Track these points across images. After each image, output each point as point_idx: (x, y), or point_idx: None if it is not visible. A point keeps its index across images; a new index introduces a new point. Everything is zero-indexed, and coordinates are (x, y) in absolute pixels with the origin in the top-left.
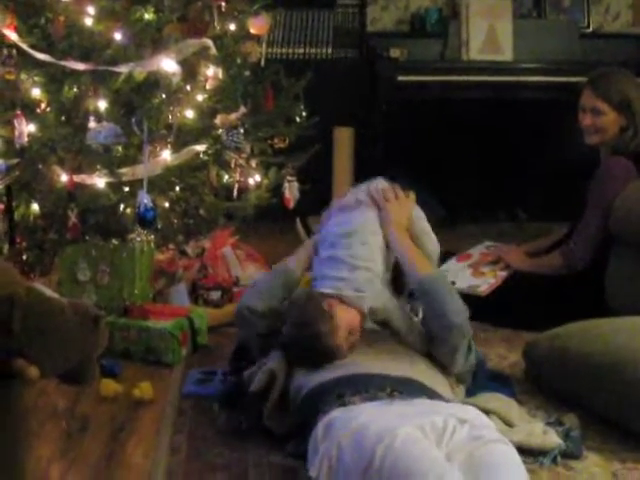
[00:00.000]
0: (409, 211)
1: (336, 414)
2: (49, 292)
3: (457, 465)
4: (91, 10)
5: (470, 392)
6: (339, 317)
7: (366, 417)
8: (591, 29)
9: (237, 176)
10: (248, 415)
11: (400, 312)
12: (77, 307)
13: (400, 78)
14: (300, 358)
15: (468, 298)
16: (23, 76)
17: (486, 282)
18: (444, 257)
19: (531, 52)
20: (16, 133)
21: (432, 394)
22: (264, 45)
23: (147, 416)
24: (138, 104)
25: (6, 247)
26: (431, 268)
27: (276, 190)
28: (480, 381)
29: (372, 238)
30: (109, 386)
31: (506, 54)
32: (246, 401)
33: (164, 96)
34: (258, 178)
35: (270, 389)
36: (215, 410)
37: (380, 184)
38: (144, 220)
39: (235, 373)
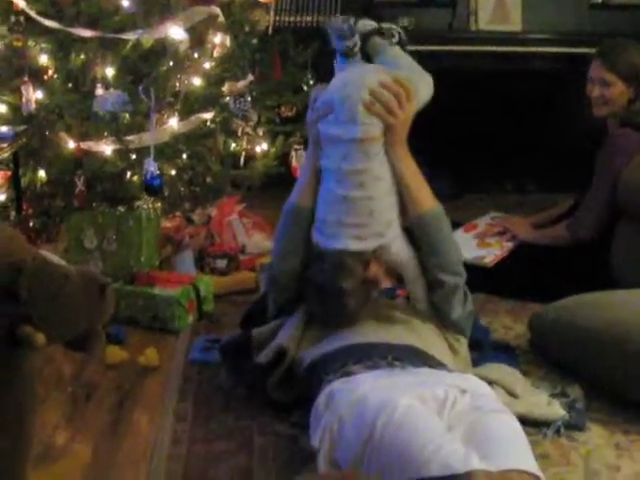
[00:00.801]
0: (412, 114)
1: (337, 385)
2: (56, 259)
3: (458, 436)
4: None
5: (475, 362)
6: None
7: (366, 388)
8: (600, 0)
9: (244, 144)
10: (250, 384)
11: (413, 261)
12: (84, 274)
13: (408, 48)
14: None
15: (474, 269)
16: (31, 43)
17: (492, 253)
18: (451, 227)
19: (540, 23)
20: (23, 100)
21: (434, 363)
22: (272, 13)
23: (153, 383)
24: (145, 71)
25: (13, 214)
26: (433, 202)
27: (283, 158)
28: (485, 351)
29: (384, 170)
30: (115, 353)
31: (515, 24)
32: (250, 368)
33: (171, 64)
34: (265, 146)
35: (277, 363)
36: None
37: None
38: (151, 187)
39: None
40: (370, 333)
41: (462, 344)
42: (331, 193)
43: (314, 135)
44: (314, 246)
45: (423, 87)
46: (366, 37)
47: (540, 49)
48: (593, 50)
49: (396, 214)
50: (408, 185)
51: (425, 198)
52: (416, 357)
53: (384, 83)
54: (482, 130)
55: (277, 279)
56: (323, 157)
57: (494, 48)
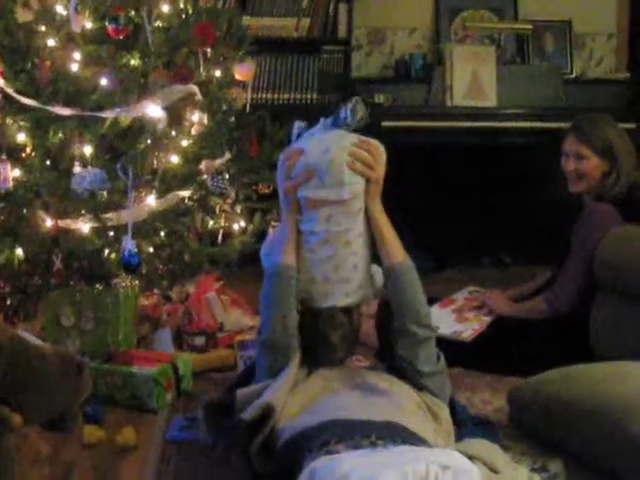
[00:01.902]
0: (384, 169)
1: (319, 463)
2: (32, 339)
3: None
4: (77, 55)
5: (454, 438)
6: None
7: (348, 466)
8: (574, 75)
9: (222, 222)
10: (234, 447)
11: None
12: (61, 355)
13: (385, 123)
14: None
15: (453, 344)
16: (9, 121)
17: (470, 328)
18: (428, 302)
19: (515, 98)
20: (1, 178)
21: (416, 439)
22: (249, 91)
23: (131, 463)
24: (123, 149)
25: None
26: (405, 255)
27: (261, 235)
28: (464, 426)
29: (363, 225)
30: (93, 432)
31: (490, 100)
32: (232, 427)
33: (149, 141)
34: (243, 224)
35: (262, 423)
36: (199, 419)
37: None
38: (129, 265)
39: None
40: (352, 407)
41: (443, 409)
42: (316, 254)
43: (290, 202)
44: (302, 305)
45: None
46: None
47: (515, 124)
48: (568, 124)
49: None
50: (384, 236)
51: (399, 250)
52: (398, 434)
53: (358, 144)
54: (458, 205)
55: (273, 343)
56: (304, 222)
57: (470, 124)
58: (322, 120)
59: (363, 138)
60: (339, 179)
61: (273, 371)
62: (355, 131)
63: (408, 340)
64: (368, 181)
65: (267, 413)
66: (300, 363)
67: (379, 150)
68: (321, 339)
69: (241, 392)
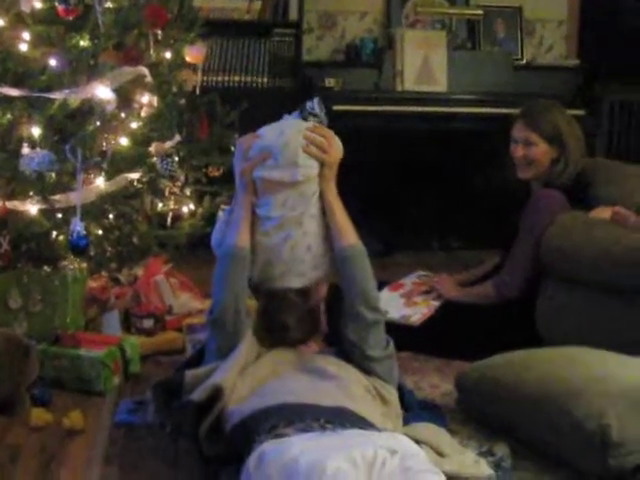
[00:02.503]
0: (338, 154)
1: (268, 446)
2: None
3: None
4: (26, 36)
5: (402, 422)
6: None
7: (297, 450)
8: (525, 61)
9: (171, 204)
10: (182, 428)
11: None
12: (7, 337)
13: (335, 108)
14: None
15: (401, 328)
16: None
17: (419, 312)
18: (377, 286)
19: (465, 83)
20: None
21: (364, 424)
22: (200, 73)
23: (78, 446)
24: (72, 131)
25: None
26: (357, 238)
27: (210, 219)
28: (411, 411)
29: (317, 208)
30: (40, 415)
31: (440, 85)
32: (180, 408)
33: (98, 123)
34: (192, 207)
35: (212, 404)
36: (148, 400)
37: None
38: (77, 247)
39: None
40: (301, 391)
41: (391, 393)
42: (272, 237)
43: (246, 184)
44: (255, 287)
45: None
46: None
47: (465, 109)
48: (517, 110)
49: (328, 246)
50: (337, 219)
51: (351, 233)
52: (347, 419)
53: (313, 129)
54: (408, 189)
55: (224, 323)
56: (260, 206)
57: (420, 108)
58: (285, 116)
59: (318, 124)
60: (293, 160)
61: (223, 352)
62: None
63: (357, 324)
64: (322, 165)
65: (216, 395)
66: (250, 345)
67: (333, 136)
68: (275, 321)
69: (190, 373)
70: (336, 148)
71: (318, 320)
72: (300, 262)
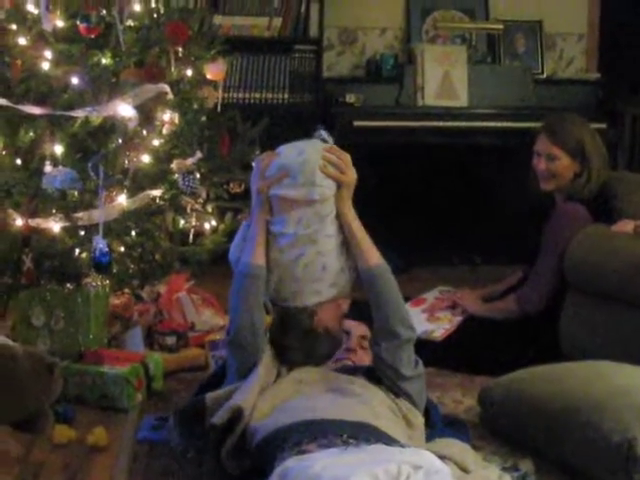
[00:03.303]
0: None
1: (291, 463)
2: (2, 339)
3: None
4: (48, 54)
5: (426, 438)
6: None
7: (320, 466)
8: (545, 75)
9: (193, 221)
10: (206, 451)
11: None
12: (31, 355)
13: (356, 123)
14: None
15: (423, 343)
16: None
17: (441, 327)
18: None
19: (486, 98)
20: None
21: (388, 439)
22: (220, 90)
23: (101, 462)
24: (94, 149)
25: None
26: (379, 257)
27: (232, 235)
28: (435, 426)
29: (334, 228)
30: (63, 432)
31: (461, 100)
32: (202, 432)
33: (120, 141)
34: (214, 223)
35: (232, 426)
36: (170, 427)
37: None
38: (99, 265)
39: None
40: (324, 407)
41: (417, 417)
42: (286, 254)
43: (262, 202)
44: (273, 306)
45: None
46: None
47: (486, 124)
48: (538, 124)
49: (347, 266)
50: (358, 240)
51: (374, 253)
52: (370, 434)
53: (331, 150)
54: (429, 204)
55: (241, 344)
56: (275, 223)
57: (441, 123)
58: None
59: (335, 146)
60: (311, 179)
61: (243, 372)
62: None
63: (392, 342)
64: (340, 186)
65: (237, 416)
66: (270, 364)
67: (349, 158)
68: (277, 341)
69: (210, 396)
70: (352, 169)
71: (336, 341)
72: (314, 281)
